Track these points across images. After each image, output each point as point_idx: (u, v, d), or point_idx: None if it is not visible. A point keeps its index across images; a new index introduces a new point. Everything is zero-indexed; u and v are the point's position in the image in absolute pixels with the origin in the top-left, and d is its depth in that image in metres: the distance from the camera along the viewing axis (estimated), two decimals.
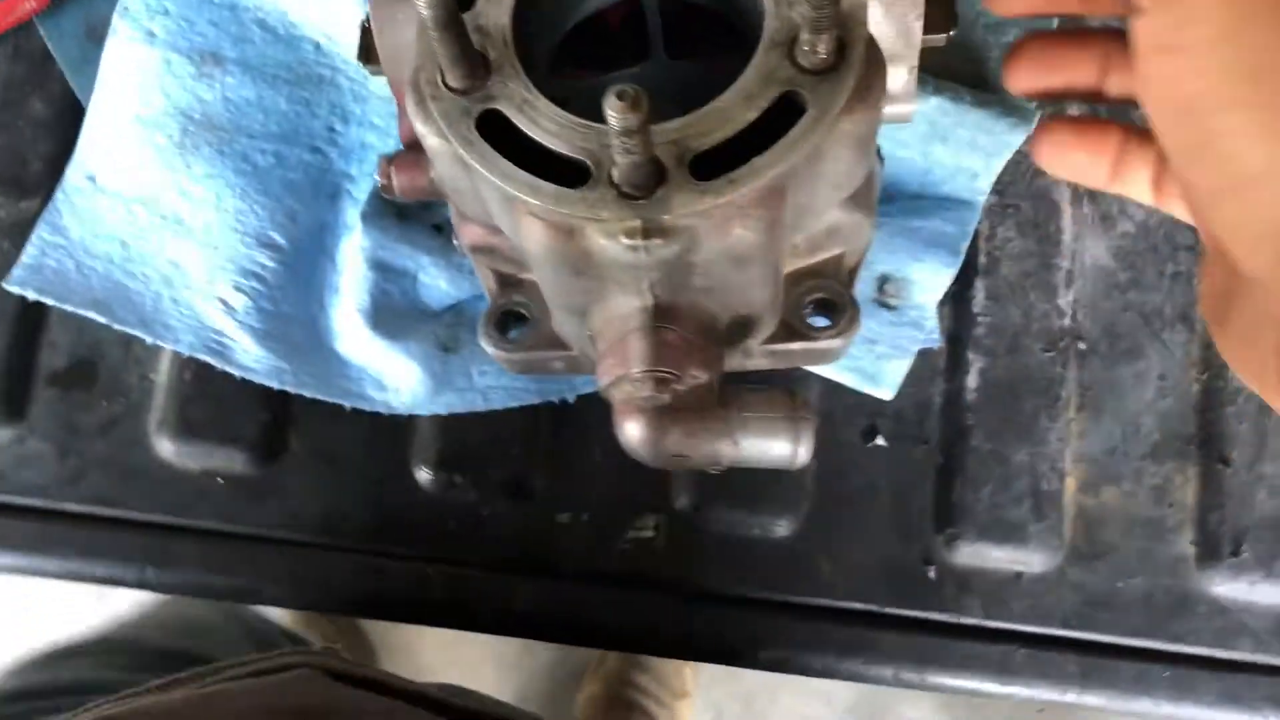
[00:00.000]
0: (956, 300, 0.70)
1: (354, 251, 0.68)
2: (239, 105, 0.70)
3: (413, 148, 0.58)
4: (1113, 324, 0.70)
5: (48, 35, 0.72)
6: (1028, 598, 0.67)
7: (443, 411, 0.68)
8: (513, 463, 0.68)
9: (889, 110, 0.56)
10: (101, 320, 0.68)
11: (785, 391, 0.54)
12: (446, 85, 0.49)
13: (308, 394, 0.68)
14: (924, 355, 0.69)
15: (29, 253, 0.69)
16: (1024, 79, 0.52)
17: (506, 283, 0.61)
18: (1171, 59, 0.39)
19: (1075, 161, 0.52)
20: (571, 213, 0.47)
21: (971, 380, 0.69)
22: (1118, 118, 0.53)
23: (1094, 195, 0.72)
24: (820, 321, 0.60)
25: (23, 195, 0.71)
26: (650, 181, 0.46)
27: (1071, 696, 0.67)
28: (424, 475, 0.68)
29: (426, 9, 0.44)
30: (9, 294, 0.68)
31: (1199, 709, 0.67)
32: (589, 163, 0.48)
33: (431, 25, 0.45)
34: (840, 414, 0.69)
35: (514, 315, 0.61)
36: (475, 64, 0.49)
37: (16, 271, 0.69)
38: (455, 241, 0.65)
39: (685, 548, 0.68)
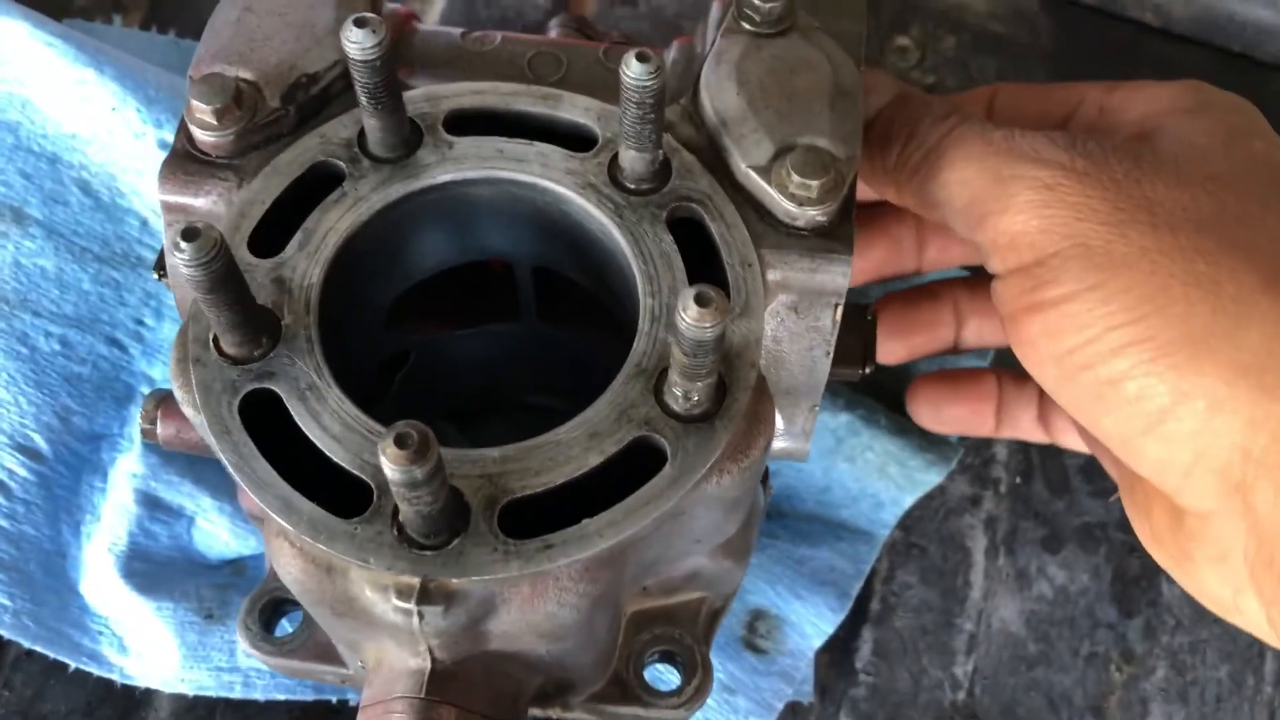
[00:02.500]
0: (838, 649, 0.59)
1: (124, 476, 0.56)
2: (32, 275, 0.58)
3: None
4: (1013, 704, 0.60)
5: None
6: None
7: (190, 692, 0.54)
8: None
9: (779, 446, 0.46)
10: None
11: None
12: (218, 348, 0.38)
13: (27, 644, 0.54)
14: (789, 708, 0.58)
15: None
16: (892, 345, 0.54)
17: None
18: (1045, 317, 0.39)
19: (956, 416, 0.54)
20: (332, 550, 0.35)
21: None
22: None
23: (1012, 548, 0.62)
24: (663, 682, 0.49)
25: None
26: (443, 528, 0.35)
27: None
28: None
29: (187, 266, 0.33)
30: None
31: None
32: (372, 485, 0.37)
33: (195, 285, 0.34)
34: None
35: (278, 610, 0.49)
36: (259, 327, 0.38)
37: None
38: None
39: None
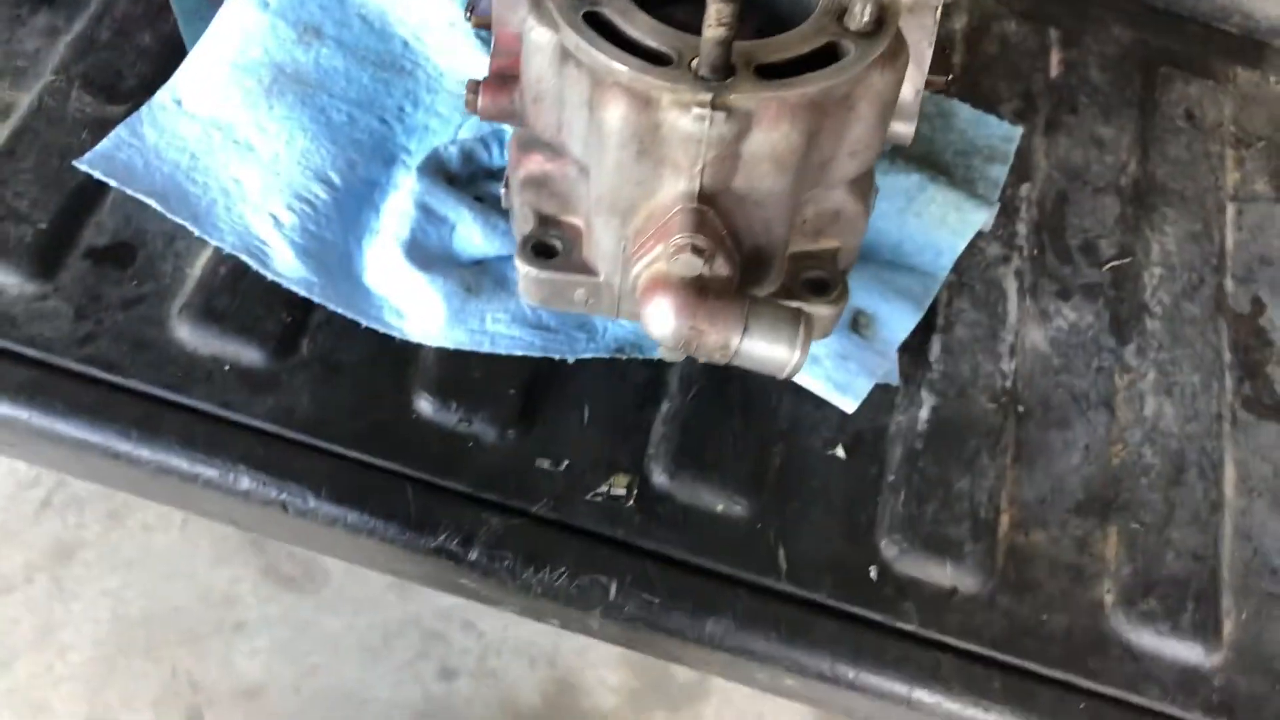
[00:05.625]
0: (914, 352, 0.79)
1: (404, 195, 0.76)
2: (327, 70, 0.80)
3: (497, 76, 0.68)
4: (1046, 397, 0.80)
5: None
6: (960, 614, 0.72)
7: (451, 346, 0.73)
8: (505, 405, 0.73)
9: (894, 127, 0.68)
10: (156, 207, 0.73)
11: (794, 308, 0.61)
12: None
13: (331, 306, 0.73)
14: (881, 390, 0.78)
15: (104, 144, 0.76)
16: None
17: (544, 221, 0.70)
18: None
19: None
20: (655, 83, 0.57)
21: (923, 414, 0.77)
22: None
23: (1036, 296, 0.84)
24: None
25: (111, 101, 0.78)
26: (723, 71, 0.57)
27: (994, 715, 0.70)
28: (421, 400, 0.72)
29: None
30: (75, 173, 0.74)
31: None
32: (673, 55, 0.58)
33: None
34: (806, 423, 0.76)
35: (546, 248, 0.69)
36: None
37: (89, 154, 0.75)
38: (503, 191, 0.74)
39: (652, 511, 0.72)
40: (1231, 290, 0.87)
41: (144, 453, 0.69)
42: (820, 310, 0.67)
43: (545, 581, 0.69)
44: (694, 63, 0.57)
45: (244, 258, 0.73)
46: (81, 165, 0.74)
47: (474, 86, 0.68)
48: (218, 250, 0.74)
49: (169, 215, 0.73)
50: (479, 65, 0.80)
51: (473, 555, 0.69)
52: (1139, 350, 0.83)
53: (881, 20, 0.60)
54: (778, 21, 0.67)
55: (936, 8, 0.66)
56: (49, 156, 0.76)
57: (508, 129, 0.77)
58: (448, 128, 0.81)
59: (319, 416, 0.71)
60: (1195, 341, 0.84)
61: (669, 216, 0.60)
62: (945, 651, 0.71)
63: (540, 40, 0.61)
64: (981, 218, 0.81)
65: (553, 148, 0.66)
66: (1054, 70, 0.95)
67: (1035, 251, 0.86)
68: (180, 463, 0.69)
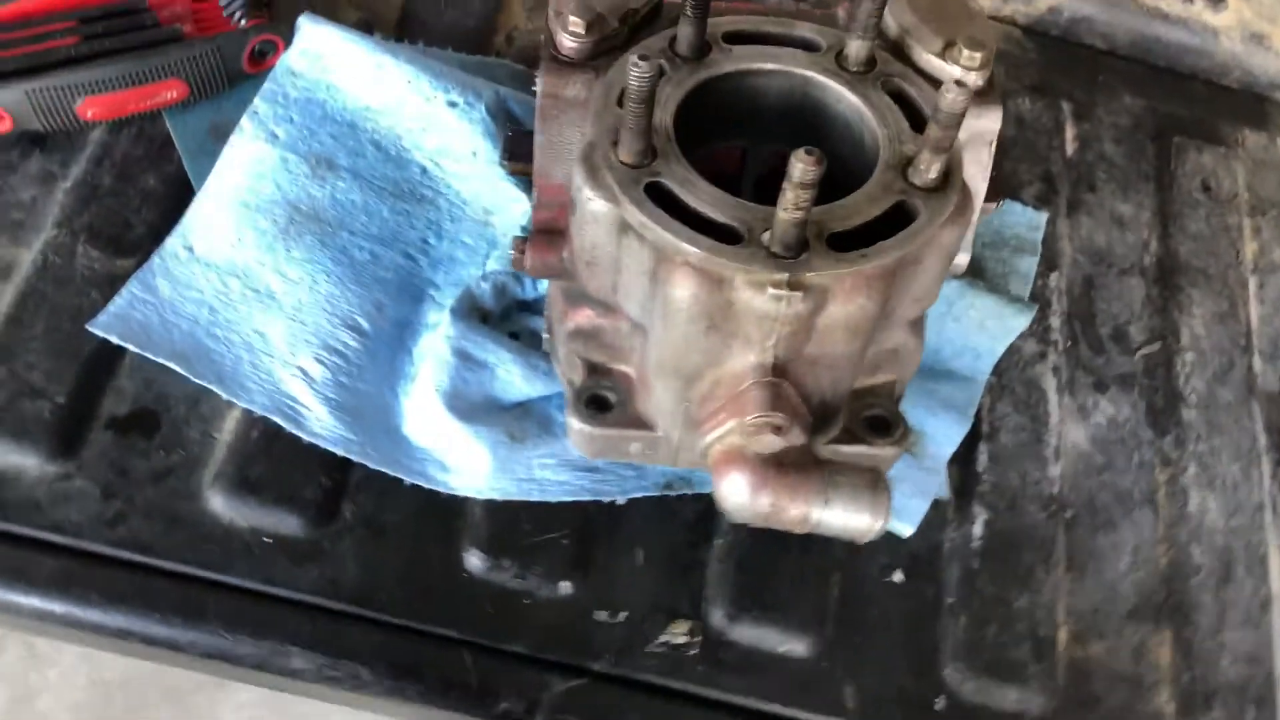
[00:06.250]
0: (963, 462, 0.79)
1: (438, 341, 0.73)
2: (345, 206, 0.77)
3: (543, 232, 0.66)
4: (1092, 499, 0.79)
5: (173, 126, 0.79)
6: None
7: (499, 497, 0.71)
8: (558, 554, 0.71)
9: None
10: (179, 371, 0.70)
11: (870, 470, 0.60)
12: (619, 160, 0.58)
13: (372, 465, 0.70)
14: (934, 506, 0.77)
15: (117, 303, 0.72)
16: None
17: (595, 370, 0.67)
18: None
19: None
20: (728, 264, 0.54)
21: (977, 529, 0.76)
22: None
23: (1074, 391, 0.83)
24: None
25: (119, 253, 0.74)
26: (797, 247, 0.55)
27: None
28: (471, 557, 0.70)
29: (638, 80, 0.54)
30: (87, 337, 0.70)
31: None
32: (741, 229, 0.56)
33: (635, 97, 0.54)
34: (863, 551, 0.75)
35: (599, 401, 0.67)
36: (647, 145, 0.58)
37: (102, 317, 0.71)
38: (545, 336, 0.71)
39: (715, 658, 0.70)
40: (1260, 369, 0.87)
41: (188, 637, 0.66)
42: (885, 452, 0.66)
43: None
44: (765, 237, 0.55)
45: (276, 419, 0.70)
46: (95, 330, 0.70)
47: (520, 245, 0.65)
48: (247, 410, 0.70)
49: (192, 378, 0.70)
50: (503, 193, 0.77)
51: None
52: (1177, 441, 0.83)
53: (949, 173, 0.59)
54: (831, 155, 0.65)
55: (991, 142, 0.64)
56: (59, 321, 0.71)
57: None
58: (475, 257, 0.78)
59: (367, 584, 0.68)
60: (1231, 429, 0.84)
61: (742, 389, 0.58)
62: None
63: (598, 211, 0.58)
64: (1020, 324, 0.80)
65: (604, 303, 0.64)
66: (1070, 148, 0.94)
67: (1069, 343, 0.85)
68: (227, 645, 0.66)
